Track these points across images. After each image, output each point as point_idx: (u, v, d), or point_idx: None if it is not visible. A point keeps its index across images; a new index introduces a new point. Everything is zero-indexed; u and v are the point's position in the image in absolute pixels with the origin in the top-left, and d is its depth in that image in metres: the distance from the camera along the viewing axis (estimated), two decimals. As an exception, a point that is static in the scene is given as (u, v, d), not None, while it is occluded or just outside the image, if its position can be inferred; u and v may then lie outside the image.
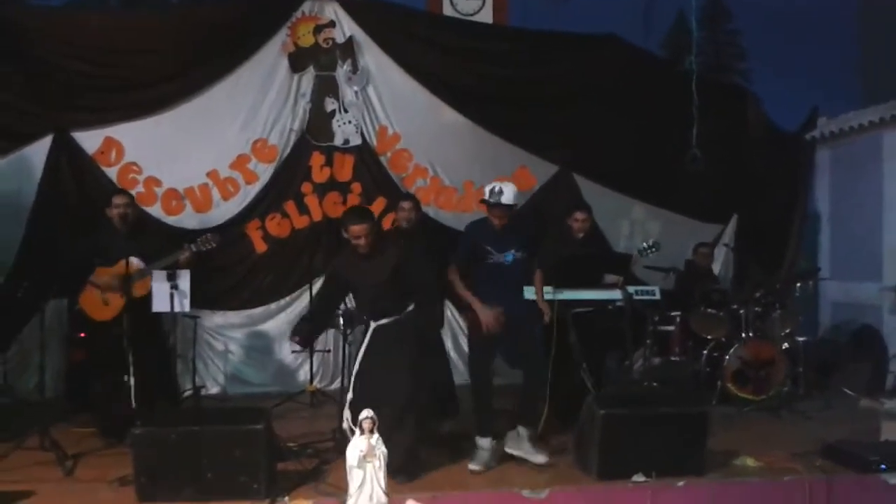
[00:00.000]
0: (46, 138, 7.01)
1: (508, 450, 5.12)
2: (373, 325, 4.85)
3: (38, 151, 7.00)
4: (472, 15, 8.27)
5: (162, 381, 6.07)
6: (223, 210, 7.38)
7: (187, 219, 7.29)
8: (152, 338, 5.94)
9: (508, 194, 5.16)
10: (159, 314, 5.93)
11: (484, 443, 5.10)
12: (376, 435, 3.51)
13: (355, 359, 4.84)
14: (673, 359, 7.15)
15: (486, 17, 8.30)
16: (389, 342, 4.79)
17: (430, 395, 5.57)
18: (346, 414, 4.64)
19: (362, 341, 4.90)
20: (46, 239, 6.81)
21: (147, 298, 5.74)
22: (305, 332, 5.25)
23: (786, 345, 7.08)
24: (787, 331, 7.18)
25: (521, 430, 5.16)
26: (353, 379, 4.80)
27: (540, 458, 5.03)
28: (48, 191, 6.99)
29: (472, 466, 4.97)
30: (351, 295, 5.26)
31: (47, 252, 6.67)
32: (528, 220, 5.68)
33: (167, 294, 5.54)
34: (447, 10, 8.27)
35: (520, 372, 6.20)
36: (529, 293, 5.26)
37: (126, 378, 5.47)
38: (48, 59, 7.01)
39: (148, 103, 7.22)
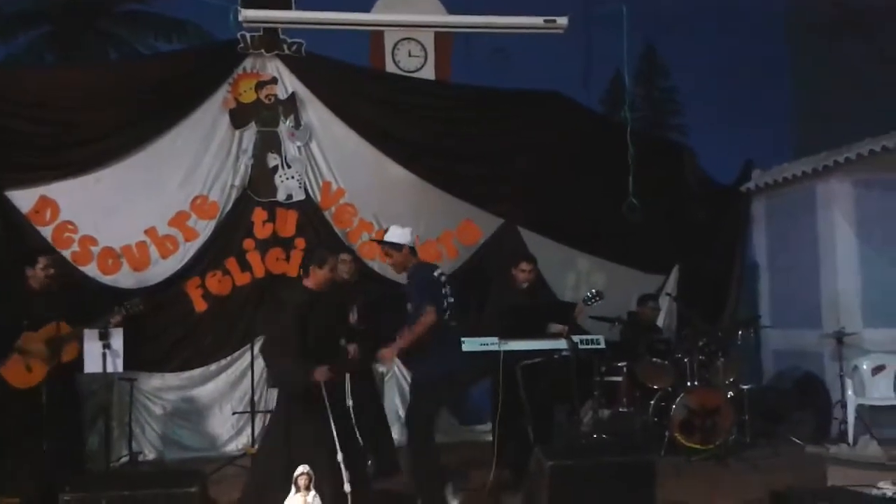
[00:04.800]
0: (-22, 198, 6.81)
1: None
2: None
3: (-30, 212, 6.79)
4: (414, 72, 8.36)
5: (75, 451, 5.83)
6: (162, 268, 7.20)
7: (123, 278, 7.09)
8: (71, 406, 5.71)
9: (393, 233, 5.26)
10: (76, 382, 5.72)
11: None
12: (313, 492, 3.38)
13: (327, 417, 4.52)
14: (622, 410, 7.13)
15: (429, 73, 8.40)
16: (340, 397, 4.57)
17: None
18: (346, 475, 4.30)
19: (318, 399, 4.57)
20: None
21: (70, 364, 5.52)
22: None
23: (731, 393, 7.11)
24: (731, 379, 7.23)
25: None
26: (337, 437, 4.44)
27: None
28: (-21, 251, 6.75)
29: None
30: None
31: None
32: (416, 272, 5.48)
33: (99, 354, 5.34)
34: (390, 67, 8.35)
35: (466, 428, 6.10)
36: (471, 344, 5.19)
37: (42, 447, 5.26)
38: (-19, 117, 6.85)
39: (84, 161, 7.08)
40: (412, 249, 5.39)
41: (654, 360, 7.11)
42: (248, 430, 6.99)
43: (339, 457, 4.34)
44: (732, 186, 9.12)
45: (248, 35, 7.41)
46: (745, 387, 7.20)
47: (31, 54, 15.68)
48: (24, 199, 6.96)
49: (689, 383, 6.87)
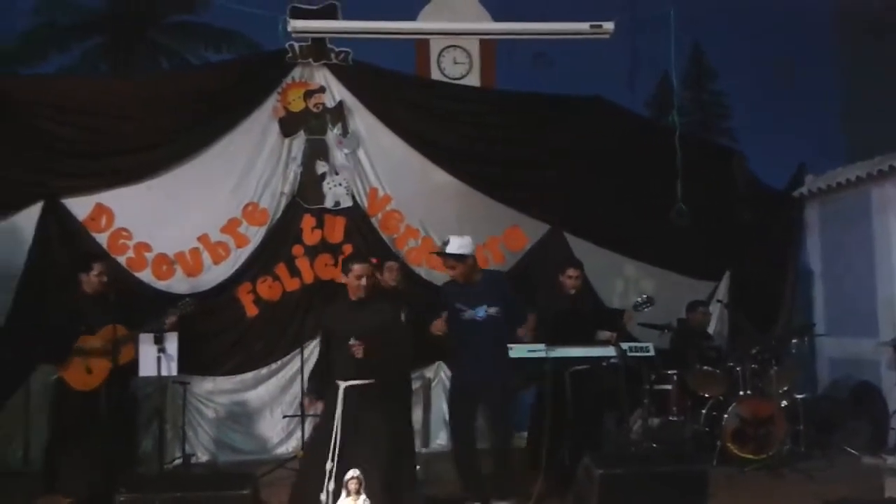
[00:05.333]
0: (37, 206, 6.99)
1: None
2: (342, 385, 4.61)
3: (29, 219, 6.97)
4: (459, 79, 8.40)
5: (128, 452, 5.96)
6: (214, 274, 7.33)
7: (177, 283, 7.23)
8: (127, 409, 5.84)
9: (454, 244, 5.22)
10: (130, 385, 5.84)
11: None
12: (363, 496, 3.40)
13: (332, 425, 4.55)
14: (672, 419, 7.05)
15: (474, 80, 8.46)
16: (363, 405, 4.59)
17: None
18: (330, 486, 4.29)
19: (333, 405, 4.61)
20: (35, 306, 6.72)
21: (127, 367, 5.66)
22: (320, 390, 4.94)
23: (784, 402, 7.00)
24: (785, 388, 7.11)
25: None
26: (336, 447, 4.45)
27: None
28: (38, 259, 6.94)
29: None
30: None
31: (36, 319, 6.57)
32: (502, 279, 5.65)
33: (154, 358, 5.46)
34: (435, 75, 8.43)
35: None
36: (518, 351, 5.19)
37: (100, 448, 5.39)
38: (38, 127, 7.04)
39: (138, 169, 7.24)
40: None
41: (706, 368, 7.02)
42: (298, 434, 7.08)
43: (328, 465, 4.32)
44: (785, 191, 8.98)
45: (296, 45, 7.52)
46: (799, 396, 7.07)
47: (86, 65, 16.11)
48: (80, 206, 7.14)
49: (741, 392, 6.76)
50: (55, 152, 7.10)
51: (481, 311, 5.20)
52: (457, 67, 8.65)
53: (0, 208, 6.92)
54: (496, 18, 8.63)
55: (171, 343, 5.66)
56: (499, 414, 5.28)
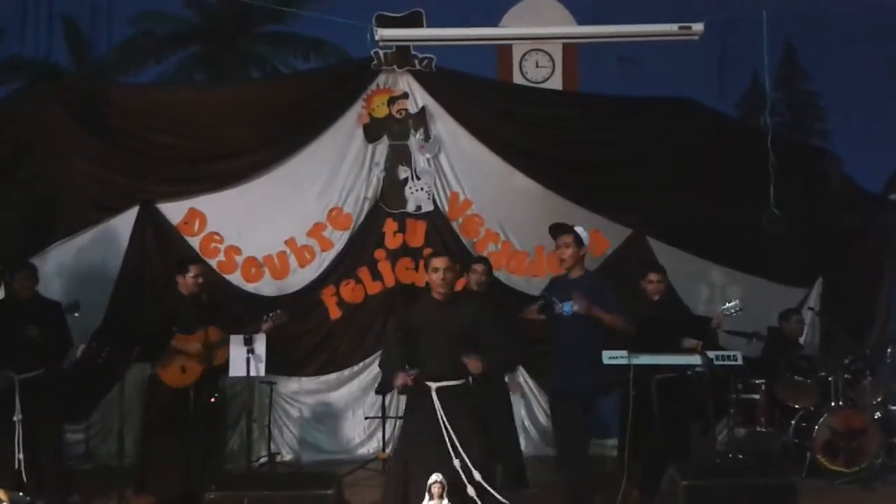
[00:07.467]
0: (132, 210, 7.32)
1: None
2: (434, 386, 4.47)
3: (125, 222, 7.31)
4: (542, 83, 8.38)
5: (215, 452, 6.10)
6: (300, 277, 7.52)
7: (265, 286, 7.45)
8: (216, 408, 6.00)
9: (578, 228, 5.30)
10: (219, 385, 6.04)
11: None
12: (446, 500, 3.44)
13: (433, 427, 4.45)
14: (759, 429, 6.88)
15: (556, 84, 8.42)
16: (453, 406, 4.46)
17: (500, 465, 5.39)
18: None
19: (421, 407, 4.52)
20: (130, 307, 7.03)
21: (219, 367, 5.83)
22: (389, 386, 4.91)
23: (878, 414, 6.75)
24: (879, 399, 6.85)
25: None
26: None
27: None
28: (133, 261, 7.27)
29: None
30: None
31: (131, 320, 6.86)
32: (602, 282, 5.58)
33: (244, 358, 5.63)
34: (517, 79, 8.43)
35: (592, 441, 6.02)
36: (609, 358, 5.13)
37: (188, 445, 5.56)
38: (136, 133, 7.39)
39: (230, 174, 7.50)
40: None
41: (796, 377, 6.81)
42: (379, 435, 7.18)
43: (456, 462, 4.26)
44: (881, 194, 8.64)
45: (381, 52, 7.63)
46: (893, 407, 6.86)
47: (181, 74, 16.67)
48: (174, 210, 7.44)
49: (833, 403, 6.55)
50: (151, 158, 7.42)
51: (567, 307, 5.18)
52: (539, 71, 8.62)
53: (97, 212, 7.28)
54: (579, 21, 8.55)
55: (260, 344, 5.81)
56: (566, 421, 5.21)
